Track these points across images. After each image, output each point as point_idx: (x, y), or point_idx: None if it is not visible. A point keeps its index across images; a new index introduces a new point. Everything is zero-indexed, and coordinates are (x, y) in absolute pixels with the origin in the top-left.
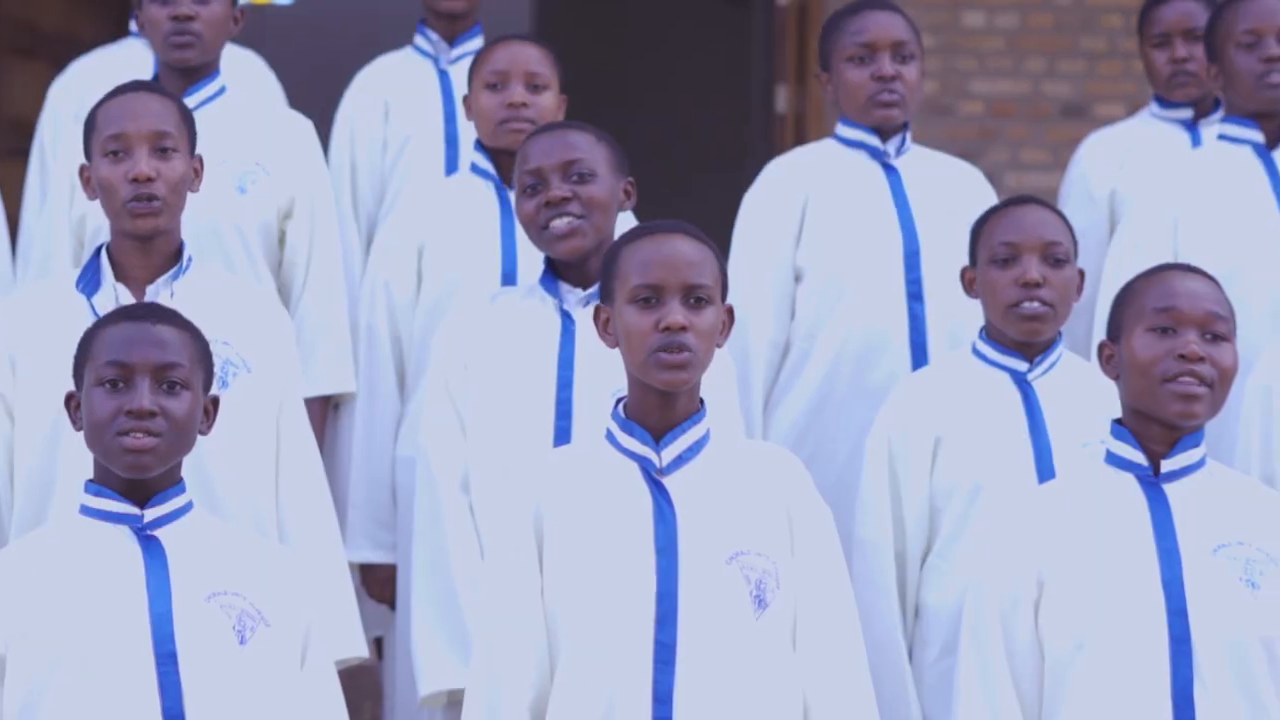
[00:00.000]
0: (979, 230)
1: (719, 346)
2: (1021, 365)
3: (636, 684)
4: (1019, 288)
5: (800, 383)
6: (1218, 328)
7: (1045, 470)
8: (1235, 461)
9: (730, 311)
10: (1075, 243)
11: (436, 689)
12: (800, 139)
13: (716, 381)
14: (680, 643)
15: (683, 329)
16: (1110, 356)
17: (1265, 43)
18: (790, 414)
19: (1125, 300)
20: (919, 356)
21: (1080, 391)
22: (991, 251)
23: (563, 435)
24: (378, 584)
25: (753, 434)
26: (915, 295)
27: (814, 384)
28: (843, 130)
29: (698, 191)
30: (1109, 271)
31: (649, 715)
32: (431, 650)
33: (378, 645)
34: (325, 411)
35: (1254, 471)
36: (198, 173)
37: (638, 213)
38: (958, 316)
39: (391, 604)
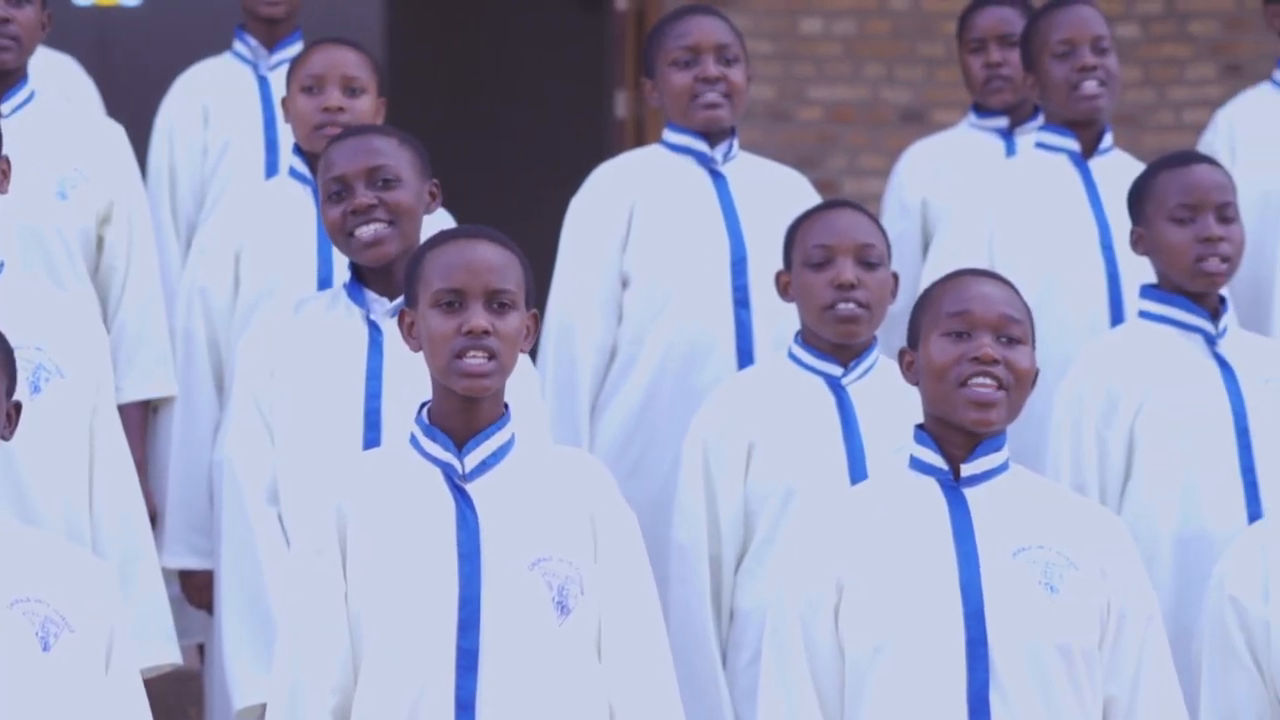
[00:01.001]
0: (793, 234)
1: (523, 352)
2: (836, 370)
3: (439, 690)
4: (834, 289)
5: (626, 387)
6: (1013, 331)
7: (859, 474)
8: (1046, 469)
9: (535, 317)
10: (889, 246)
11: (249, 703)
12: (640, 145)
13: (522, 388)
14: (483, 649)
15: (485, 333)
16: (910, 363)
17: (1079, 52)
18: (616, 418)
19: (923, 306)
20: (745, 362)
21: (895, 396)
22: (806, 254)
23: (371, 447)
24: (196, 590)
25: (579, 438)
26: (741, 301)
27: (639, 389)
28: (670, 136)
29: (549, 196)
30: (926, 280)
31: None
32: (242, 664)
33: (200, 651)
34: (145, 416)
35: (1065, 479)
36: (5, 174)
37: (489, 217)
38: (784, 323)
39: (211, 609)
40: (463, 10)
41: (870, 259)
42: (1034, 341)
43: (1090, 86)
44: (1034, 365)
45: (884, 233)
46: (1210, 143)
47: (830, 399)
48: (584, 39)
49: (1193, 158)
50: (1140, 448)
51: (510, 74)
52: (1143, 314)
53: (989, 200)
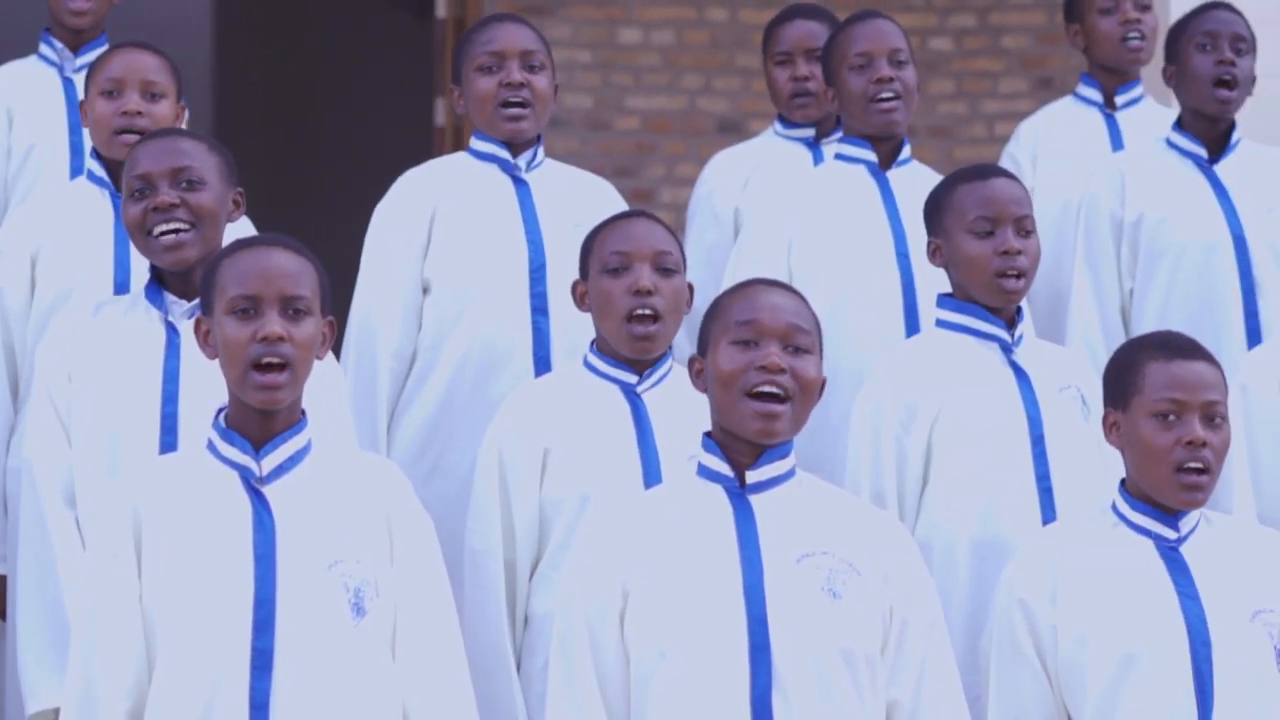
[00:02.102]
0: (590, 243)
1: (319, 359)
2: (631, 378)
3: (234, 690)
4: (631, 295)
5: (424, 393)
6: (800, 340)
7: (653, 481)
8: (845, 478)
9: (332, 324)
10: (683, 255)
11: (43, 707)
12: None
13: (328, 390)
14: (278, 649)
15: (280, 339)
16: (699, 371)
17: (876, 64)
18: (414, 424)
19: (713, 315)
20: (542, 370)
21: (689, 403)
22: (603, 261)
23: (168, 450)
24: None
25: (378, 443)
26: (540, 309)
27: (437, 395)
28: (475, 143)
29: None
30: (726, 287)
31: None
32: (38, 667)
33: None
34: None
35: (864, 487)
36: None
37: (314, 222)
38: (582, 331)
39: (3, 614)
40: (294, 19)
41: (667, 265)
42: (821, 352)
43: (887, 99)
44: (821, 375)
45: (678, 241)
46: (1013, 154)
47: (625, 406)
48: (413, 47)
49: (990, 171)
50: (938, 455)
51: (340, 81)
52: (940, 323)
53: (788, 210)
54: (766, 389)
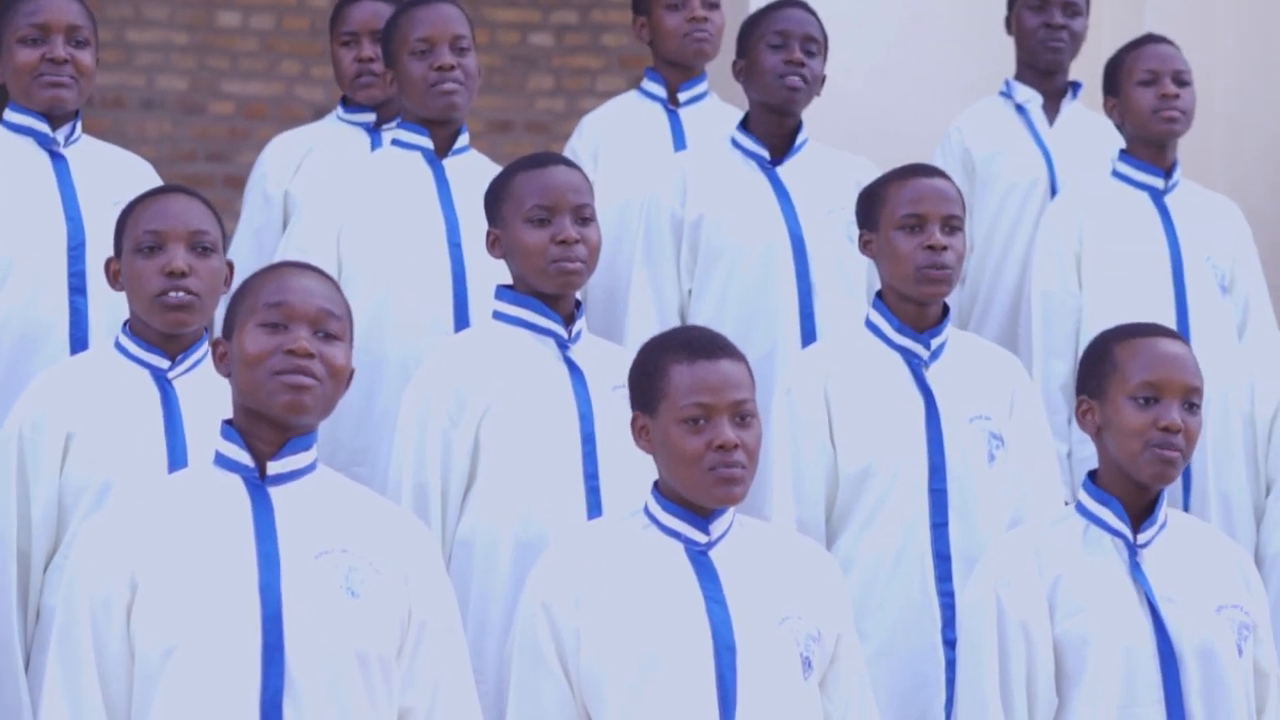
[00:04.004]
0: (125, 220)
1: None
2: (163, 362)
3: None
4: (164, 277)
5: None
6: (330, 326)
7: (178, 467)
8: (390, 471)
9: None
10: (224, 233)
11: None
12: None
13: None
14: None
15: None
16: (223, 354)
17: (438, 51)
18: None
19: (241, 296)
20: (78, 349)
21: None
22: (136, 240)
23: None
24: None
25: None
26: (78, 288)
27: None
28: (10, 115)
29: None
30: None
31: None
32: None
33: None
34: None
35: (407, 482)
36: None
37: None
38: (122, 310)
39: None
40: None
41: (205, 244)
42: (351, 338)
43: (449, 85)
44: (349, 362)
45: (219, 220)
46: (575, 148)
47: (154, 391)
48: None
49: (550, 159)
50: (485, 450)
51: None
52: (496, 315)
53: (340, 195)
54: (291, 376)
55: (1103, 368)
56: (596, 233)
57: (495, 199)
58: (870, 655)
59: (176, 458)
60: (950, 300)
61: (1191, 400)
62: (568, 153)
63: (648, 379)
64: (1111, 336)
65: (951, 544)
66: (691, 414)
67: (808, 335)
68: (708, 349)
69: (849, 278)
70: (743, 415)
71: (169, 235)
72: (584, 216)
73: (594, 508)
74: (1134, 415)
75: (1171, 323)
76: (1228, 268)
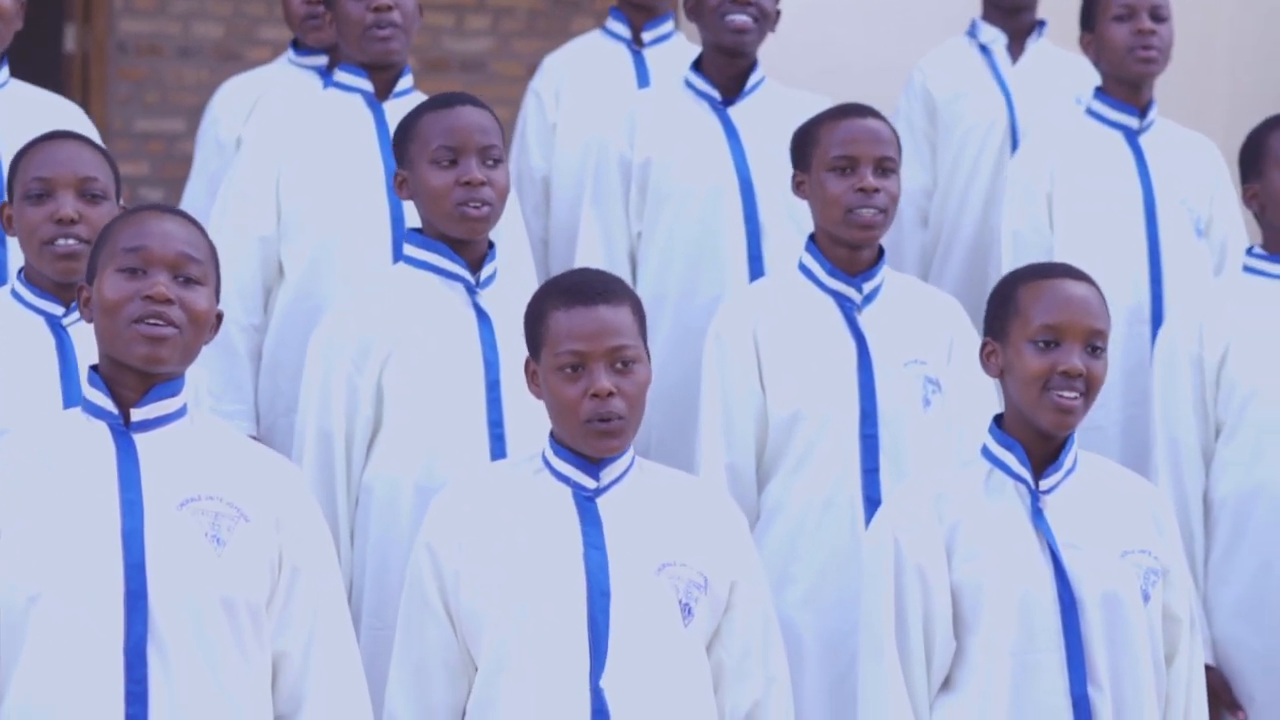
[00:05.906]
0: (15, 166)
1: None
2: (57, 309)
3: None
4: (53, 224)
5: None
6: (191, 270)
7: None
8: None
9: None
10: (118, 179)
11: None
12: (86, 78)
13: None
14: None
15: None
16: (87, 300)
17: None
18: None
19: (102, 241)
20: None
21: None
22: (25, 187)
23: None
24: None
25: None
26: None
27: None
28: None
29: None
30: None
31: None
32: None
33: None
34: None
35: (311, 427)
36: None
37: None
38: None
39: None
40: None
41: (94, 191)
42: (218, 286)
43: (383, 31)
44: (214, 307)
45: (114, 166)
46: (537, 89)
47: (50, 339)
48: None
49: (457, 99)
50: (389, 396)
51: None
52: (405, 258)
53: (279, 139)
54: (149, 324)
55: (1006, 309)
56: (505, 176)
57: (403, 139)
58: (798, 600)
59: (72, 404)
60: (913, 242)
61: (1094, 344)
62: (529, 93)
63: (533, 325)
64: (1019, 277)
65: (883, 490)
66: (568, 361)
67: (756, 278)
68: (585, 294)
69: (801, 221)
70: (624, 361)
71: (57, 182)
72: (493, 158)
73: (498, 454)
74: (1034, 359)
75: (1143, 265)
76: (1204, 210)
